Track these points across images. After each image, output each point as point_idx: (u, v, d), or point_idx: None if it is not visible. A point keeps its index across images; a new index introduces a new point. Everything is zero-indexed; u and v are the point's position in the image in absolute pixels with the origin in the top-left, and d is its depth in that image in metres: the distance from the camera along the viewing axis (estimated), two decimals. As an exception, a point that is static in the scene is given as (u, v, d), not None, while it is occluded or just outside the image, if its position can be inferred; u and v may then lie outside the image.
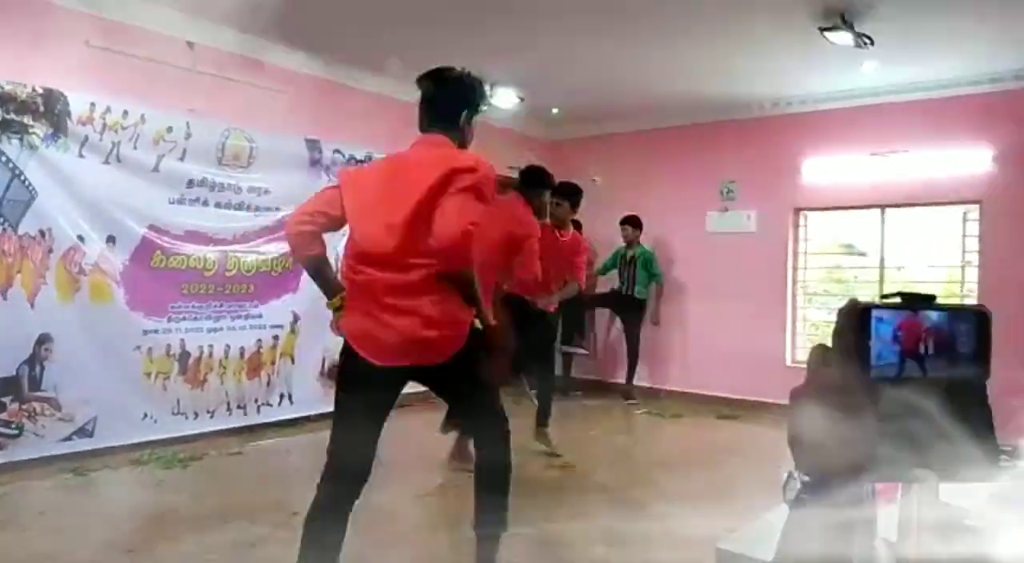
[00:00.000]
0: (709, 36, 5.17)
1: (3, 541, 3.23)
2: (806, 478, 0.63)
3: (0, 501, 3.72)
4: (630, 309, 7.29)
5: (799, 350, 6.86)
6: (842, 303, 0.62)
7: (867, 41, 4.76)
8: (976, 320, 0.64)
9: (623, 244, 7.34)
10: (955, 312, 0.64)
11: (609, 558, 3.30)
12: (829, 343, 0.64)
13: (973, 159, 5.94)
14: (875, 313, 0.61)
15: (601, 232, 7.50)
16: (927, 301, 0.64)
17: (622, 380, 7.36)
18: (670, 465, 5.03)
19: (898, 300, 0.64)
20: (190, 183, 4.99)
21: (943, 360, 0.63)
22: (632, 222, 7.24)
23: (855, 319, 0.61)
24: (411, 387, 2.50)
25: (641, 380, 7.35)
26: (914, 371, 0.62)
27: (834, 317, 0.65)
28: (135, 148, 4.68)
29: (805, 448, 0.64)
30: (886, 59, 5.37)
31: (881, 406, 0.61)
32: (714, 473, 4.76)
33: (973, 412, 0.64)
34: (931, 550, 1.46)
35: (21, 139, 4.21)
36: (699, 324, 7.22)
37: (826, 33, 4.71)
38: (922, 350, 0.63)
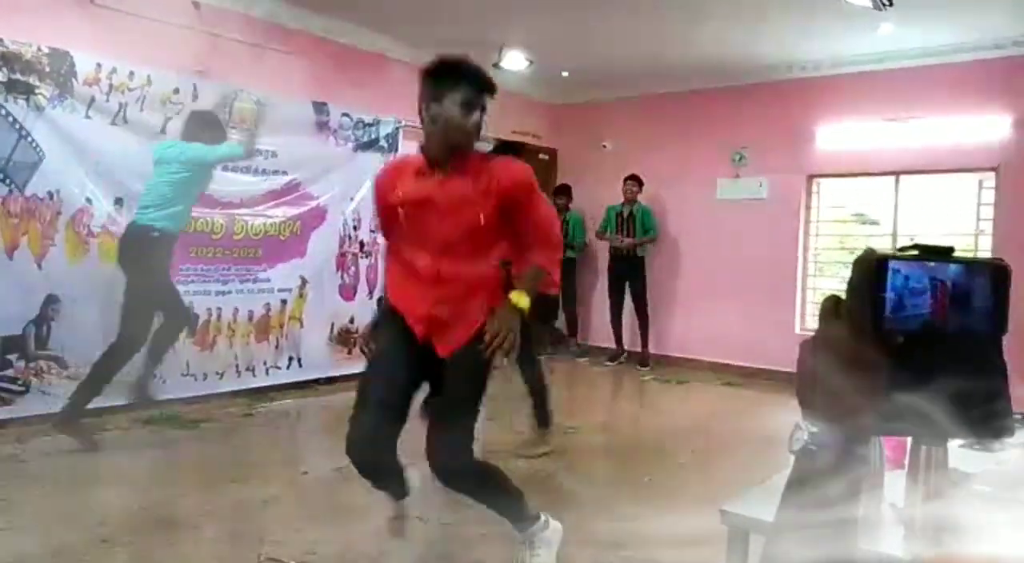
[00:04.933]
0: (723, -2, 5.06)
1: (16, 497, 3.28)
2: (813, 429, 0.61)
3: (13, 459, 3.77)
4: (634, 269, 7.26)
5: (808, 318, 6.83)
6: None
7: (886, 2, 4.65)
8: (994, 274, 0.62)
9: (620, 203, 7.27)
10: (973, 265, 0.62)
11: (613, 519, 3.32)
12: (843, 295, 0.62)
13: (991, 125, 5.84)
14: (892, 265, 0.59)
15: (610, 200, 7.44)
16: (945, 253, 0.62)
17: (624, 344, 7.42)
18: (675, 430, 5.05)
19: (915, 252, 0.62)
20: (197, 145, 4.95)
21: (959, 313, 0.61)
22: (638, 180, 7.18)
23: (871, 270, 0.59)
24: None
25: (655, 347, 7.36)
26: (928, 324, 0.60)
27: (844, 286, 0.63)
28: (142, 110, 4.65)
29: (812, 399, 0.62)
30: (904, 21, 5.25)
31: (893, 359, 0.59)
32: (718, 439, 4.78)
33: (987, 367, 0.62)
34: (938, 515, 1.46)
35: (27, 100, 4.18)
36: (708, 291, 7.19)
37: (844, -6, 4.60)
38: (937, 303, 0.61)
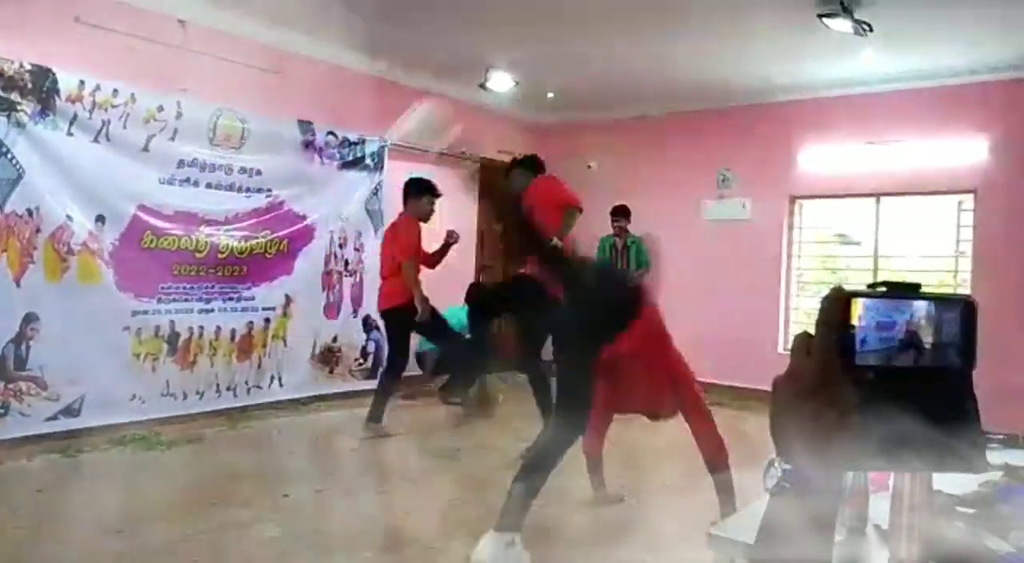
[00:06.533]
0: (706, 23, 5.12)
1: (-10, 521, 3.21)
2: (787, 466, 0.62)
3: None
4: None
5: (791, 338, 6.86)
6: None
7: (866, 28, 4.72)
8: (962, 309, 0.63)
9: (611, 234, 7.29)
10: (941, 301, 0.63)
11: (600, 543, 3.30)
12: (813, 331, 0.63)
13: (969, 149, 5.92)
14: (859, 301, 0.61)
15: (595, 220, 7.45)
16: (912, 290, 0.64)
17: None
18: (657, 451, 5.02)
19: (883, 289, 0.63)
20: (180, 163, 4.94)
21: (928, 349, 0.62)
22: (625, 213, 7.20)
23: (839, 307, 0.61)
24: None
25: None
26: (898, 360, 0.62)
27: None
28: (125, 127, 4.63)
29: (785, 437, 0.63)
30: (885, 47, 5.33)
31: (864, 395, 0.60)
32: (701, 460, 4.76)
33: (958, 402, 0.63)
34: (922, 536, 1.46)
35: (8, 116, 4.16)
36: (692, 311, 7.20)
37: (825, 19, 4.67)
38: (906, 339, 0.62)
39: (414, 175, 5.36)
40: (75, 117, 4.40)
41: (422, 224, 5.10)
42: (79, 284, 4.45)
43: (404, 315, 4.93)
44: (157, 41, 4.85)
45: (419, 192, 5.11)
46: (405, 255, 4.94)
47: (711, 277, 7.05)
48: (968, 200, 6.07)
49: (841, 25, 4.71)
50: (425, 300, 4.91)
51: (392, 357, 5.23)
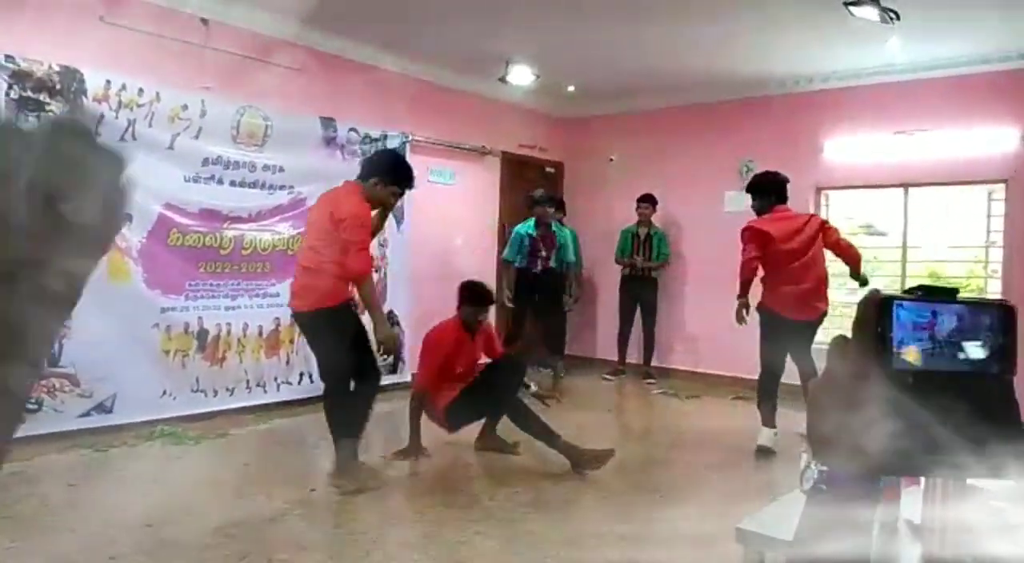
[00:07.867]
0: (730, 11, 5.06)
1: (24, 514, 3.28)
2: (824, 468, 0.61)
3: (21, 476, 3.76)
4: (649, 290, 7.28)
5: (819, 331, 6.78)
6: (861, 288, 0.62)
7: (893, 16, 4.65)
8: (1000, 314, 0.63)
9: (633, 224, 7.26)
10: (978, 306, 0.63)
11: (628, 536, 3.29)
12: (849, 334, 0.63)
13: (1000, 137, 5.81)
14: (897, 304, 0.60)
15: (617, 213, 7.45)
16: (949, 294, 0.63)
17: (627, 358, 7.40)
18: (686, 446, 5.01)
19: (920, 293, 0.63)
20: (205, 161, 4.98)
21: (966, 354, 0.62)
22: (651, 201, 7.18)
23: (876, 310, 0.60)
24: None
25: (657, 360, 7.34)
26: (936, 365, 0.61)
27: (853, 298, 0.64)
28: (150, 126, 4.68)
29: (822, 440, 0.63)
30: (912, 34, 5.23)
31: (901, 400, 0.59)
32: (730, 454, 4.74)
33: (999, 408, 0.63)
34: (955, 531, 1.44)
35: (38, 117, 4.21)
36: (716, 304, 7.15)
37: (851, 7, 4.59)
38: (944, 344, 0.62)
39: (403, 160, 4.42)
40: (102, 117, 4.45)
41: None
42: (109, 282, 4.51)
43: (345, 314, 3.87)
44: (181, 40, 4.89)
45: (398, 177, 4.00)
46: (364, 265, 3.76)
47: (735, 269, 6.98)
48: (999, 190, 5.95)
49: (867, 13, 4.63)
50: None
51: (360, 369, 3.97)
